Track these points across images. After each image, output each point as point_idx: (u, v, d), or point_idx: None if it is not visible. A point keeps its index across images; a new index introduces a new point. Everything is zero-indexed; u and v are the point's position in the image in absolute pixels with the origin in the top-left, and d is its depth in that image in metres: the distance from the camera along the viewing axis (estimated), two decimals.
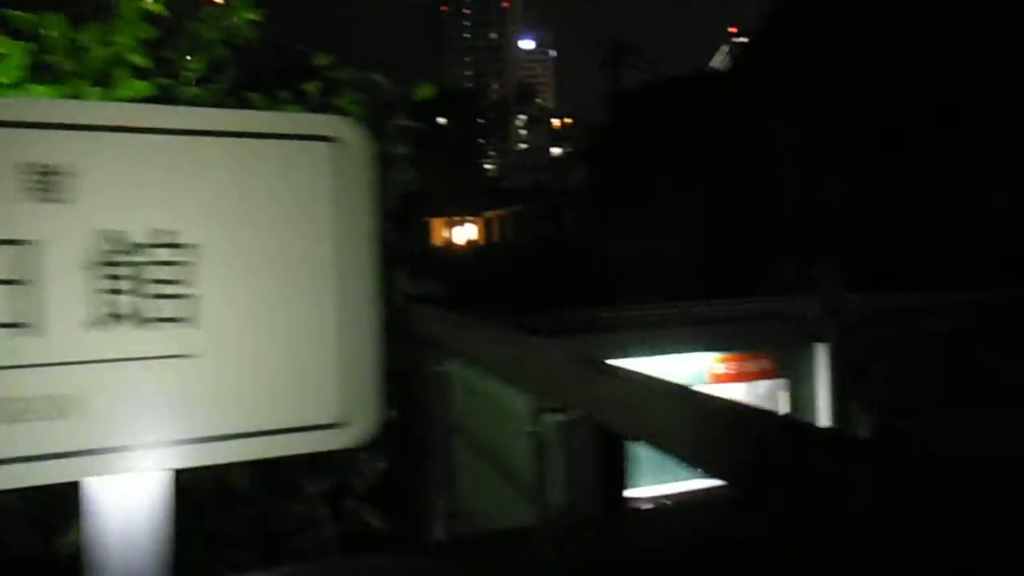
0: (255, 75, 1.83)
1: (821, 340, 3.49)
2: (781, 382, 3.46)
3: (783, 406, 3.46)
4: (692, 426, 0.90)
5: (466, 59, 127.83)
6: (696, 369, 3.31)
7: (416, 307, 1.99)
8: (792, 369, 3.48)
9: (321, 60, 1.82)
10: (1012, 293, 4.32)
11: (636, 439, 1.08)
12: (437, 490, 2.16)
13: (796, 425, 0.81)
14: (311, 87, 1.79)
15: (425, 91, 1.99)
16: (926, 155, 7.28)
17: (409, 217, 2.15)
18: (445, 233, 35.43)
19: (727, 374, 3.35)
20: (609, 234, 12.64)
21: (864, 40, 7.69)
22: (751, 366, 3.40)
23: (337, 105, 1.91)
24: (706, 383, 3.32)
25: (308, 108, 1.78)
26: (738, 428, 0.85)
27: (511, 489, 1.69)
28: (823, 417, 3.50)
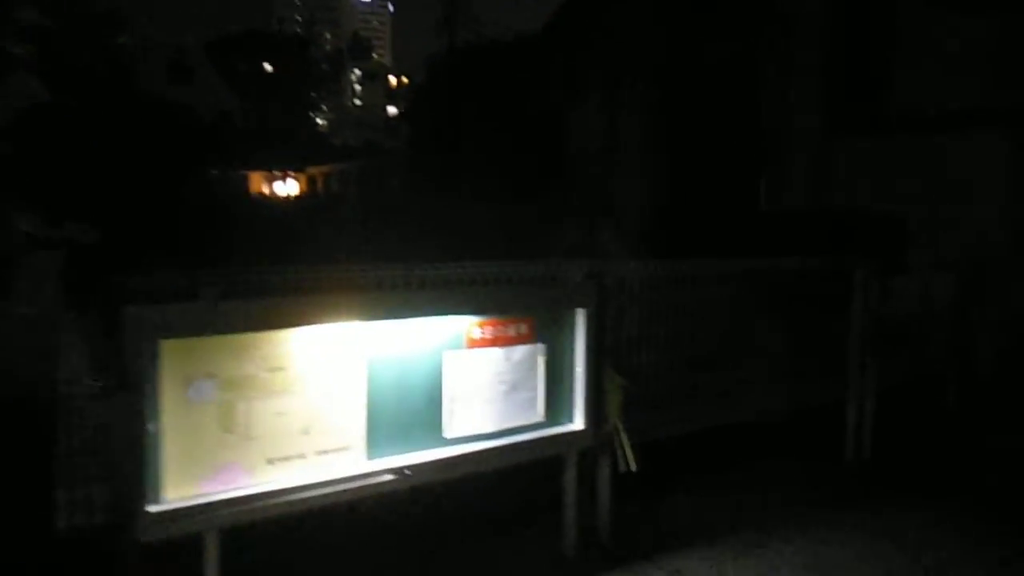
0: None
1: (581, 305, 3.48)
2: (540, 347, 3.40)
3: (541, 372, 3.41)
4: None
5: (297, 2, 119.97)
6: (453, 333, 3.15)
7: (41, 255, 1.61)
8: (551, 334, 3.44)
9: None
10: (775, 263, 4.61)
11: None
12: None
13: None
14: None
15: None
16: (715, 129, 7.80)
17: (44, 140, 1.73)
18: (265, 188, 33.24)
19: (484, 339, 3.23)
20: (423, 195, 12.51)
21: (662, 6, 8.02)
22: (510, 331, 3.30)
23: None
24: (463, 348, 3.18)
25: None
26: None
27: None
28: (579, 383, 3.51)
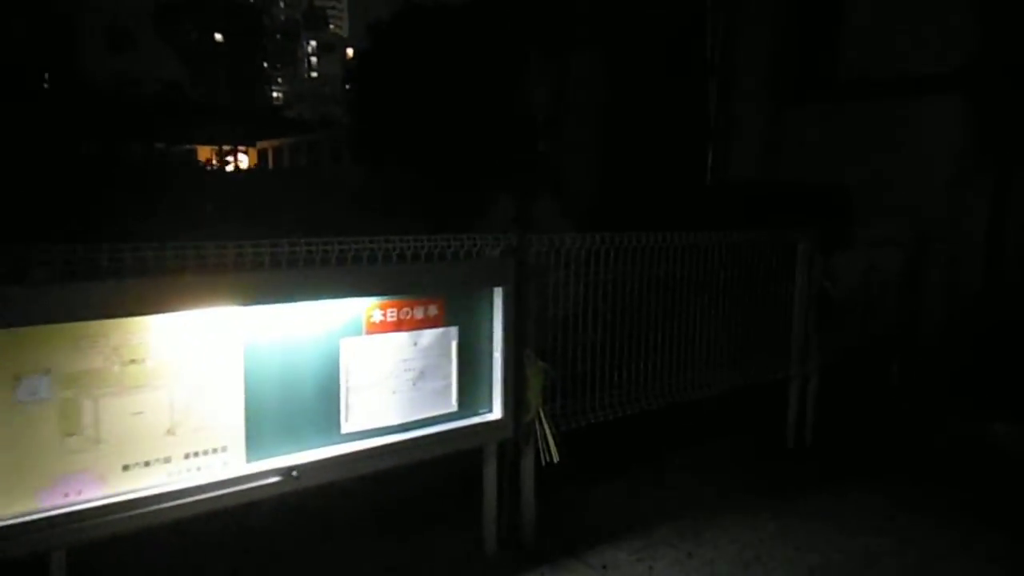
0: None
1: (498, 283, 3.17)
2: (452, 331, 3.09)
3: (454, 357, 3.10)
4: None
5: None
6: (350, 317, 2.81)
7: None
8: (465, 316, 3.12)
9: None
10: (719, 237, 4.35)
11: None
12: None
13: None
14: None
15: None
16: (663, 99, 7.53)
17: None
18: (214, 162, 32.09)
19: (386, 323, 2.89)
20: (363, 168, 12.01)
21: None
22: (416, 313, 2.98)
23: None
24: (363, 334, 2.84)
25: None
26: None
27: None
28: (497, 369, 3.20)
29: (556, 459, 3.27)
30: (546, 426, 3.28)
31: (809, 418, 4.83)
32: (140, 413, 2.37)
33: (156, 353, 2.39)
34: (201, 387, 2.48)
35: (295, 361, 2.69)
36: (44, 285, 2.19)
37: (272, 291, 2.58)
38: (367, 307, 2.84)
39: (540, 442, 3.30)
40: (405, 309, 2.93)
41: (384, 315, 2.88)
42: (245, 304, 2.53)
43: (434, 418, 3.07)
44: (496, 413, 3.22)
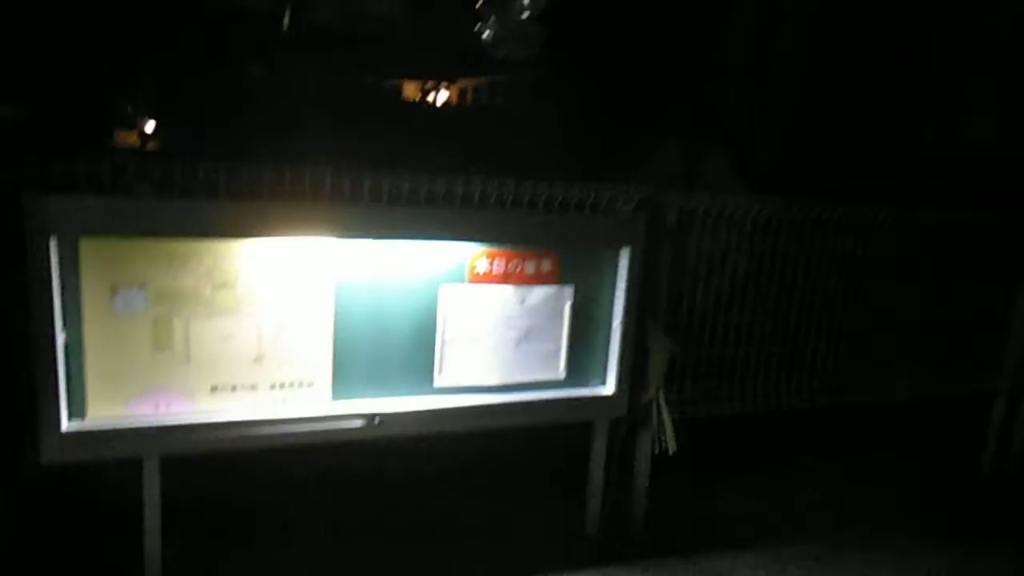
0: None
1: (626, 243, 2.77)
2: (566, 290, 2.76)
3: (566, 320, 2.78)
4: None
5: None
6: (454, 263, 2.59)
7: None
8: (584, 275, 2.78)
9: None
10: (917, 213, 3.60)
11: None
12: None
13: None
14: None
15: None
16: (878, 45, 6.35)
17: None
18: (416, 96, 33.63)
19: (492, 274, 2.64)
20: (543, 108, 11.62)
21: None
22: (527, 267, 2.68)
23: None
24: (465, 282, 2.61)
25: None
26: None
27: None
28: (615, 338, 2.84)
29: (673, 449, 2.88)
30: (664, 411, 2.88)
31: (1018, 447, 3.94)
32: (228, 337, 2.34)
33: (246, 279, 2.33)
34: (290, 319, 2.40)
35: (390, 303, 2.53)
36: (141, 198, 2.18)
37: (367, 225, 2.41)
38: (473, 254, 2.60)
39: (657, 428, 2.91)
40: (515, 261, 2.65)
41: (491, 265, 2.63)
42: (339, 236, 2.39)
43: (538, 383, 2.79)
44: (609, 388, 2.88)
